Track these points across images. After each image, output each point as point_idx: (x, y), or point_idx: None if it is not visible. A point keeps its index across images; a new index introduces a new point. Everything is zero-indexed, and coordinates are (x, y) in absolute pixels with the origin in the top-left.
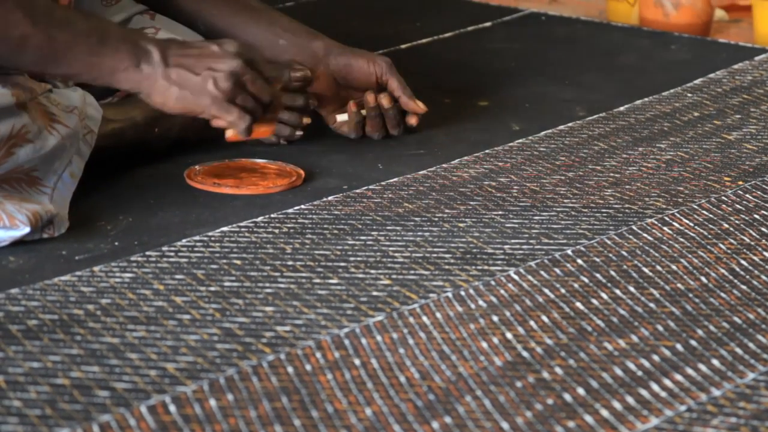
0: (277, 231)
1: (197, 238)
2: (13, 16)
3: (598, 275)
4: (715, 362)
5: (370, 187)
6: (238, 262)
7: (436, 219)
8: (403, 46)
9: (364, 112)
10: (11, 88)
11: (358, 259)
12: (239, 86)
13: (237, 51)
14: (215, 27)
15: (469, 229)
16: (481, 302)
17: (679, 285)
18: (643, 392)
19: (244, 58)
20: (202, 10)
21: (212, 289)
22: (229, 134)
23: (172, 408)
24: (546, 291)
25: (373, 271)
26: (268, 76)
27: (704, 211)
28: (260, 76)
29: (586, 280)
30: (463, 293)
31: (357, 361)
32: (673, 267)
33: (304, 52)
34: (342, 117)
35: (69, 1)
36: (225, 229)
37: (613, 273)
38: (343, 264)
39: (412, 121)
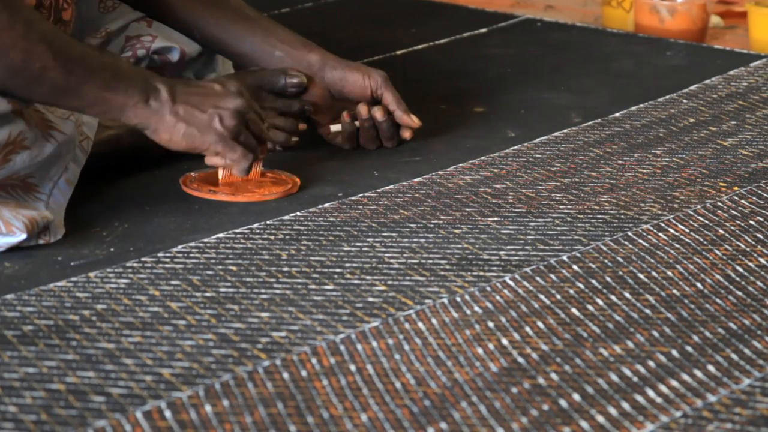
0: (272, 237)
1: (193, 244)
2: (36, 49)
3: (593, 281)
4: (711, 368)
5: (366, 194)
6: (234, 268)
7: (432, 225)
8: (398, 52)
9: (357, 123)
10: (21, 101)
11: (354, 265)
12: (243, 124)
13: (239, 90)
14: (211, 36)
15: (464, 235)
16: (476, 308)
17: (674, 291)
18: (639, 398)
19: (246, 98)
20: (198, 19)
21: (208, 294)
22: (223, 177)
23: (168, 413)
24: (541, 297)
25: (368, 277)
26: (270, 110)
27: (700, 217)
28: (260, 116)
29: (581, 286)
30: (458, 299)
31: (353, 367)
32: (669, 273)
33: (299, 64)
34: (336, 127)
35: (70, 13)
36: (221, 235)
37: (608, 279)
38: (338, 270)
39: (406, 135)
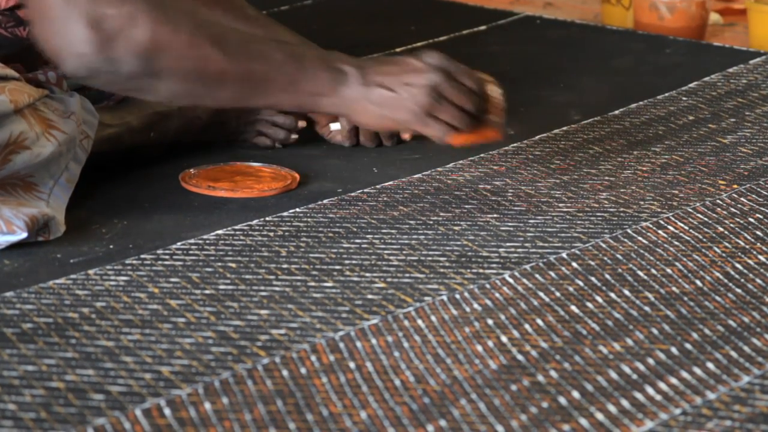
0: (272, 234)
1: (192, 241)
2: (209, 53)
3: (593, 278)
4: (710, 365)
5: (365, 190)
6: (233, 265)
7: (431, 222)
8: (398, 50)
9: None
10: (9, 94)
11: (353, 262)
12: (439, 99)
13: (437, 63)
14: None
15: (464, 232)
16: (476, 305)
17: (674, 288)
18: (639, 395)
19: (444, 70)
20: None
21: (207, 292)
22: (456, 140)
23: (167, 411)
24: (541, 294)
25: (368, 274)
26: (471, 86)
27: (699, 215)
28: (462, 86)
29: (581, 283)
30: (458, 296)
31: (352, 365)
32: (668, 270)
33: None
34: (335, 126)
35: None
36: (220, 232)
37: (608, 276)
38: (338, 267)
39: (406, 135)
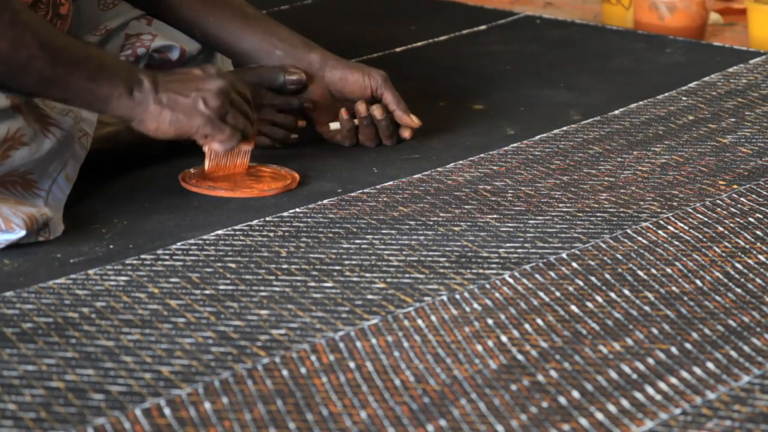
0: (272, 234)
1: (192, 241)
2: (23, 38)
3: (593, 278)
4: (710, 365)
5: (365, 190)
6: (233, 265)
7: (431, 223)
8: (398, 49)
9: (356, 120)
10: (7, 90)
11: (353, 262)
12: (228, 104)
13: (219, 72)
14: (211, 35)
15: (464, 232)
16: (476, 305)
17: (674, 288)
18: (638, 395)
19: (228, 79)
20: (199, 18)
21: (207, 292)
22: (209, 166)
23: (167, 411)
24: (541, 294)
25: (368, 275)
26: (247, 96)
27: (699, 215)
28: (243, 96)
29: (581, 283)
30: (458, 296)
31: (352, 364)
32: (668, 270)
33: (299, 64)
34: (335, 125)
35: (67, 8)
36: (220, 232)
37: (608, 276)
38: (338, 267)
39: (406, 134)
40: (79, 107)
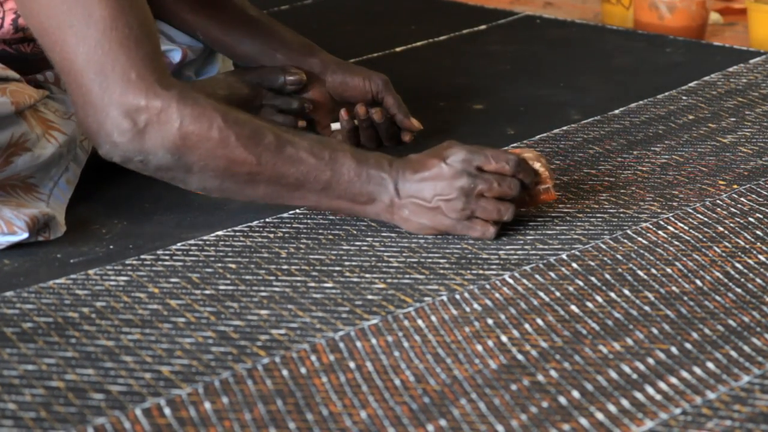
0: (272, 235)
1: (192, 241)
2: (239, 154)
3: (593, 278)
4: (710, 365)
5: None
6: (233, 265)
7: None
8: (398, 49)
9: (356, 121)
10: (10, 96)
11: (353, 263)
12: (473, 201)
13: (462, 164)
14: (214, 37)
15: (463, 235)
16: (476, 305)
17: (674, 288)
18: (638, 395)
19: (471, 169)
20: (201, 20)
21: (207, 292)
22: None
23: (167, 411)
24: (541, 294)
25: (368, 275)
26: (504, 171)
27: (699, 215)
28: (494, 175)
29: (581, 283)
30: (458, 296)
31: (352, 364)
32: (668, 270)
33: (300, 68)
34: (336, 126)
35: None
36: (220, 233)
37: (608, 276)
38: (338, 268)
39: (407, 138)
40: (324, 211)
